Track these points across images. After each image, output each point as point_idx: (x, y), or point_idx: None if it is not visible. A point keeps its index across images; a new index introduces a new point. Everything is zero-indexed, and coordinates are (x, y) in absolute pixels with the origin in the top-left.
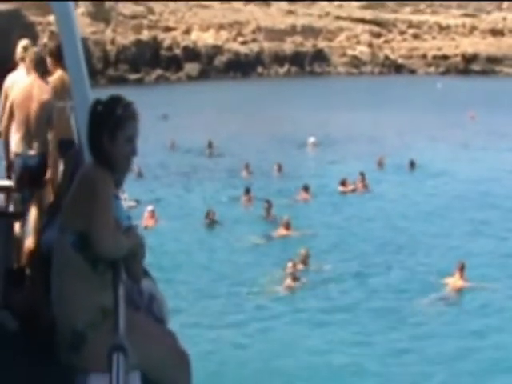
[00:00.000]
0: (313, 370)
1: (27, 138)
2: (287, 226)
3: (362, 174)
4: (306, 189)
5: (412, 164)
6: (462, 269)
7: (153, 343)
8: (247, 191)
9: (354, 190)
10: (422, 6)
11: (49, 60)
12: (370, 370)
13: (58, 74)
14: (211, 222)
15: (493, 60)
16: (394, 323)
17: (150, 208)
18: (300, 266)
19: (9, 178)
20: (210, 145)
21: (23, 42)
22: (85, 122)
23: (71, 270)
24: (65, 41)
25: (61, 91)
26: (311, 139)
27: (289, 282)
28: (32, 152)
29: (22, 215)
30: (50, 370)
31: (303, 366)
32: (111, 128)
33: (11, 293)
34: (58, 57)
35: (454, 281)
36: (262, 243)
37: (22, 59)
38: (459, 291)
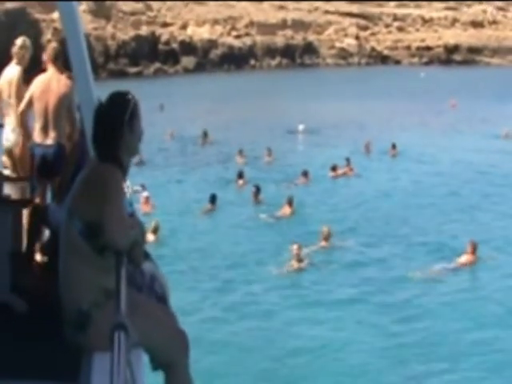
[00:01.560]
0: (315, 351)
1: (46, 129)
2: (290, 204)
3: (348, 160)
4: (305, 174)
5: (394, 147)
6: (473, 247)
7: (153, 322)
8: (240, 175)
9: (343, 174)
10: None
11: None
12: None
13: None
14: (211, 208)
15: (473, 50)
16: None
17: (144, 194)
18: (324, 243)
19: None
20: (204, 134)
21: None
22: (89, 117)
23: (77, 255)
24: (69, 39)
25: None
26: (301, 126)
27: (294, 263)
28: (49, 142)
29: (30, 203)
30: (57, 349)
31: (305, 347)
32: (130, 118)
33: (19, 276)
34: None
35: (466, 258)
36: (267, 222)
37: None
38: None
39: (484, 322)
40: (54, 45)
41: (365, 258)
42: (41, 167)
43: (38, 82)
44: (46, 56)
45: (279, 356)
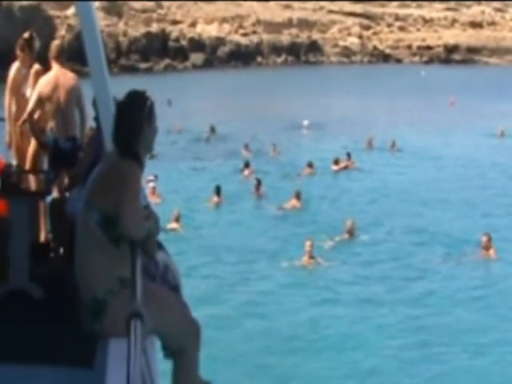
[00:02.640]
0: (329, 347)
1: (62, 124)
2: (298, 197)
3: (349, 154)
4: (310, 165)
5: (394, 143)
6: (488, 240)
7: (167, 311)
8: (247, 165)
9: (345, 168)
10: (408, 0)
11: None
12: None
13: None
14: (218, 200)
15: (472, 50)
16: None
17: (151, 185)
18: (346, 236)
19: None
20: (212, 129)
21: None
22: (105, 112)
23: (94, 245)
24: (86, 36)
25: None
26: (305, 122)
27: (306, 259)
28: (66, 135)
29: (46, 194)
30: (72, 335)
31: (318, 342)
32: (148, 115)
33: (37, 265)
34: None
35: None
36: (275, 214)
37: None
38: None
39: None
40: (56, 42)
41: (379, 252)
42: (57, 160)
43: (45, 81)
44: (50, 54)
45: (287, 352)
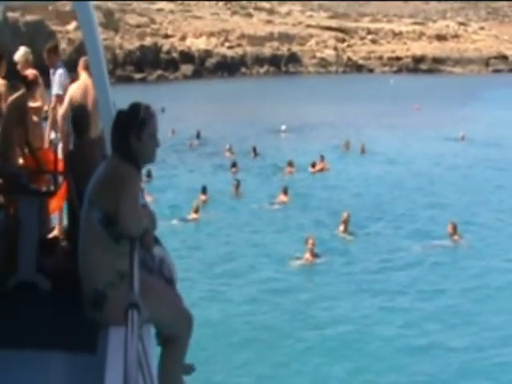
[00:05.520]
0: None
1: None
2: (285, 193)
3: (322, 157)
4: (290, 164)
5: (363, 148)
6: (454, 228)
7: (162, 302)
8: (234, 165)
9: (321, 170)
10: (379, 15)
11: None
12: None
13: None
14: (205, 198)
15: (437, 60)
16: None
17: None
18: (341, 228)
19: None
20: (198, 135)
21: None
22: (108, 119)
23: (96, 241)
24: (89, 49)
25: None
26: (283, 127)
27: (308, 256)
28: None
29: (54, 193)
30: (76, 324)
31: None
32: (137, 130)
33: (45, 259)
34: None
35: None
36: (266, 209)
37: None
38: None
39: None
40: (85, 58)
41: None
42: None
43: (76, 88)
44: (79, 67)
45: (291, 346)
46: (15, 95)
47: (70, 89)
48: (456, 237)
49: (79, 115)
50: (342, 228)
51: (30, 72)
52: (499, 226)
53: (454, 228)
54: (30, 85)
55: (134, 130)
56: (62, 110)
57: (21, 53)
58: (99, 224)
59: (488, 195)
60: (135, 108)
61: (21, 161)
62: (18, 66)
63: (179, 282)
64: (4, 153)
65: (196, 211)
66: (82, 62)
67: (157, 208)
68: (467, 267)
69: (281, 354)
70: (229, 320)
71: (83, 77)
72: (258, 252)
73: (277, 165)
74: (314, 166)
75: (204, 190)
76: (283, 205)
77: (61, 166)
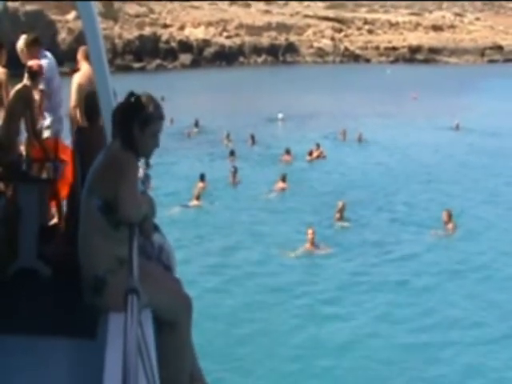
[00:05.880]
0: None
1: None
2: (284, 180)
3: (318, 145)
4: (288, 152)
5: (360, 136)
6: (449, 216)
7: (161, 287)
8: (232, 153)
9: (317, 157)
10: (376, 6)
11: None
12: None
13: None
14: (203, 185)
15: (433, 51)
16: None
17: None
18: (337, 215)
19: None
20: (196, 123)
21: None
22: (107, 108)
23: (95, 228)
24: (89, 38)
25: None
26: (280, 115)
27: (308, 246)
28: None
29: (54, 181)
30: (77, 310)
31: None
32: (141, 122)
33: (45, 245)
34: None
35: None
36: (264, 196)
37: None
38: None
39: None
40: (84, 47)
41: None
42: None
43: (80, 77)
44: (79, 56)
45: (290, 337)
46: (20, 85)
47: (75, 78)
48: (450, 225)
49: (92, 100)
50: (337, 216)
51: (35, 62)
52: (495, 213)
53: (449, 216)
54: (35, 75)
55: (139, 121)
56: (72, 102)
57: (22, 41)
58: (99, 211)
59: (483, 182)
60: (147, 99)
61: (22, 149)
62: (20, 54)
63: (179, 267)
64: (7, 142)
65: (197, 198)
66: (82, 51)
67: (155, 195)
68: (462, 255)
69: (280, 343)
70: (230, 309)
71: (85, 66)
72: (257, 239)
73: (274, 153)
74: (311, 153)
75: (202, 178)
76: (281, 192)
77: (68, 154)
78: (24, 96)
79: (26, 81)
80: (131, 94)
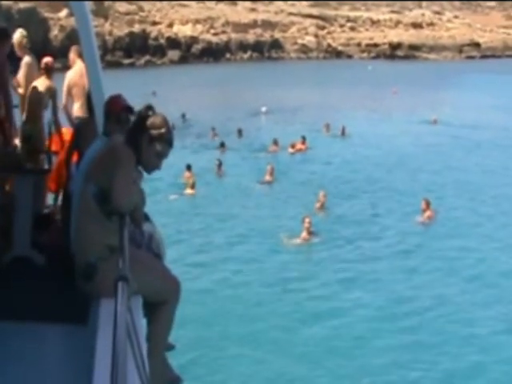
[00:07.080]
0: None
1: (84, 105)
2: (271, 171)
3: (304, 138)
4: (275, 142)
5: (343, 130)
6: (427, 204)
7: (150, 274)
8: (222, 144)
9: (299, 150)
10: (358, 4)
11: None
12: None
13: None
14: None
15: (413, 47)
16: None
17: None
18: (317, 205)
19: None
20: (183, 116)
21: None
22: (99, 103)
23: (89, 216)
24: (82, 35)
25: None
26: (263, 108)
27: (304, 235)
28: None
29: (49, 171)
30: (69, 296)
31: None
32: (152, 136)
33: (39, 234)
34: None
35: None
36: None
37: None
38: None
39: None
40: (77, 46)
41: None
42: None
43: (73, 73)
44: (72, 55)
45: (288, 325)
46: (41, 80)
47: (67, 76)
48: (429, 212)
49: None
50: (318, 205)
51: (49, 60)
52: (471, 203)
53: (428, 204)
54: (51, 71)
55: (150, 135)
56: (64, 97)
57: (16, 35)
58: (93, 198)
59: (461, 173)
60: (163, 121)
61: (16, 142)
62: (15, 48)
63: (170, 256)
64: (38, 135)
65: (192, 186)
66: (74, 49)
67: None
68: (440, 243)
69: (274, 332)
70: (224, 298)
71: (79, 64)
72: (244, 227)
73: (259, 145)
74: (293, 146)
75: (189, 168)
76: (269, 183)
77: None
78: (50, 92)
79: (45, 76)
80: (149, 107)
